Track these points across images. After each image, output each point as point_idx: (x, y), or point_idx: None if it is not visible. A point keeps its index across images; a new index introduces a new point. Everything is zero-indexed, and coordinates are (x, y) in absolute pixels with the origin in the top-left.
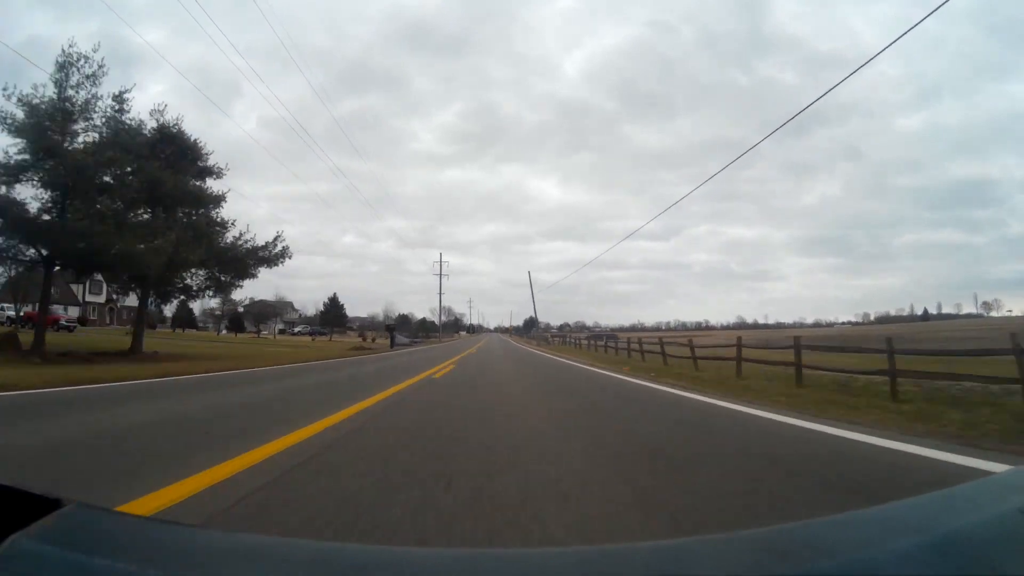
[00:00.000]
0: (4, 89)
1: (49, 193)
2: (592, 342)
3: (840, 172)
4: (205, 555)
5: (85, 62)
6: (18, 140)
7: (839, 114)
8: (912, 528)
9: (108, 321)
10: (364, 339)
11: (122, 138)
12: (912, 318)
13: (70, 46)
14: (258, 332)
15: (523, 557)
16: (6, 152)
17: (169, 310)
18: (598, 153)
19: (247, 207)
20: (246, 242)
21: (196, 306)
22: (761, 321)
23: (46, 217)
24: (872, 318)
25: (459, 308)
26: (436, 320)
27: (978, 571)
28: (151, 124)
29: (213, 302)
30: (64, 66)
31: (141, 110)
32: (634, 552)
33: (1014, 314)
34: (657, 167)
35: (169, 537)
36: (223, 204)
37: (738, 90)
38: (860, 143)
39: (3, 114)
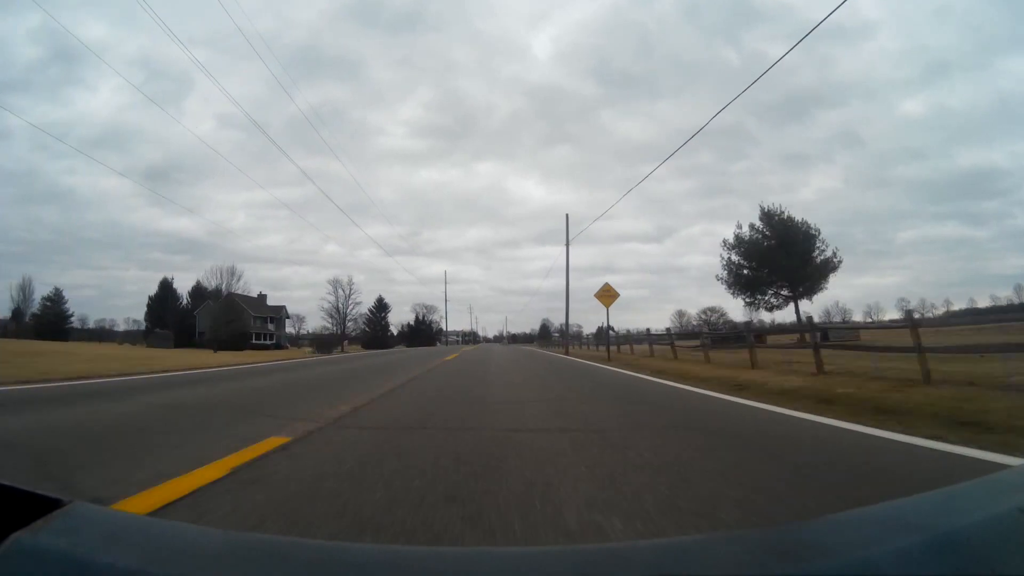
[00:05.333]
0: None
1: None
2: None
3: (839, 162)
4: (205, 555)
5: None
6: None
7: (839, 96)
8: (912, 527)
9: None
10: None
11: None
12: (971, 312)
13: None
14: None
15: (523, 556)
16: None
17: None
18: (578, 146)
19: (223, 216)
20: None
21: None
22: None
23: None
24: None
25: (454, 317)
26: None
27: (978, 570)
28: None
29: None
30: None
31: None
32: (634, 551)
33: None
34: (643, 160)
35: (169, 537)
36: None
37: (726, 68)
38: (859, 129)
39: None
